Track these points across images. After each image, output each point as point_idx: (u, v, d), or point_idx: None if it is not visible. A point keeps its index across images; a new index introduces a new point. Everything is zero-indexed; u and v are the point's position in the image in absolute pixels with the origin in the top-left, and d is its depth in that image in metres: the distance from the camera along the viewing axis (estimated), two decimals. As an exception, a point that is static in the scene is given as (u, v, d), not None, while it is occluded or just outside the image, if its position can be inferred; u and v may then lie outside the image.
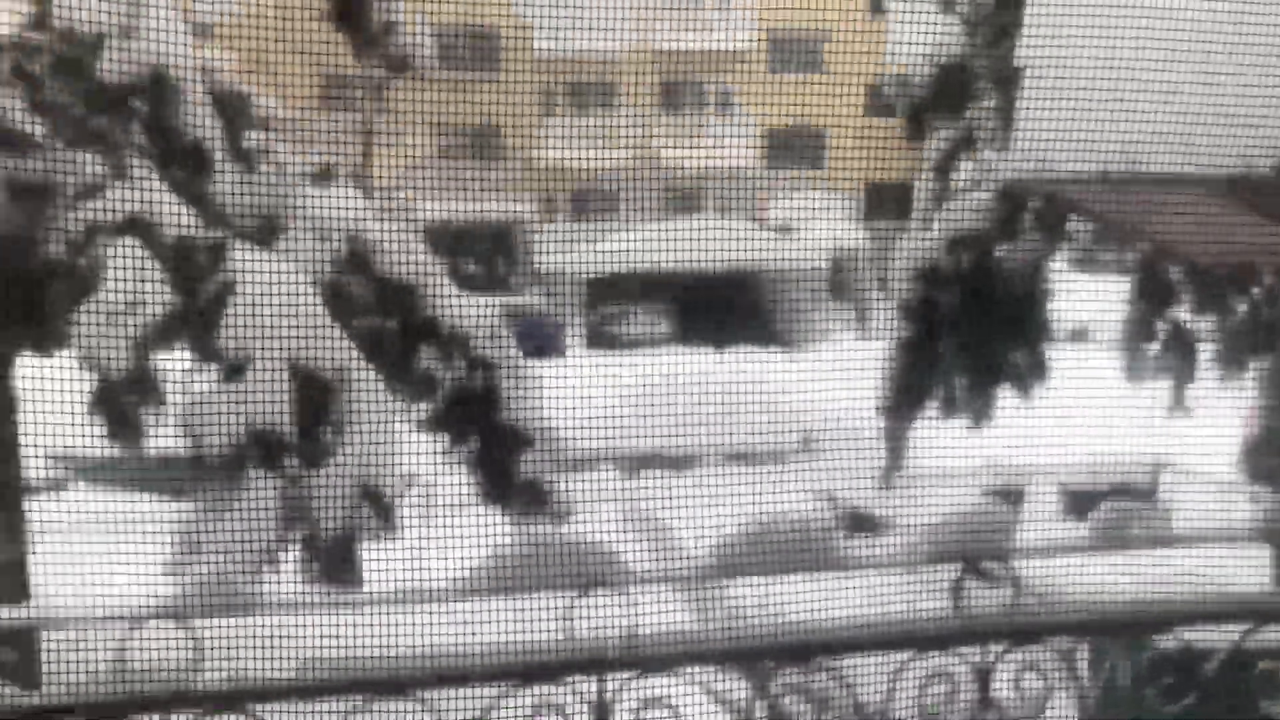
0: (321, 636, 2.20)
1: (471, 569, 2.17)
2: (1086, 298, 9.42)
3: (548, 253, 19.64)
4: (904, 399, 7.70)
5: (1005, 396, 7.70)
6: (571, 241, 19.52)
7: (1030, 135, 3.80)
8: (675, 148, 20.42)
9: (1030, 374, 7.70)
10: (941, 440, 7.62)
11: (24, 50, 5.70)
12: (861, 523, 8.77)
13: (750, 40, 20.64)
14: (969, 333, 7.52)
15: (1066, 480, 8.44)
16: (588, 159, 19.21)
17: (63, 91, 5.70)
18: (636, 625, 2.11)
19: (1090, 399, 8.02)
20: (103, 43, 5.10)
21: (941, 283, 7.35)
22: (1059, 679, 2.37)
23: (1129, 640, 2.48)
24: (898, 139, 8.08)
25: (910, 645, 2.24)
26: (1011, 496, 7.75)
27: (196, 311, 5.33)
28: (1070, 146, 3.59)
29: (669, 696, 2.11)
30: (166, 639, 2.02)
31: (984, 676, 2.26)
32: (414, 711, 2.01)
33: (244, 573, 4.00)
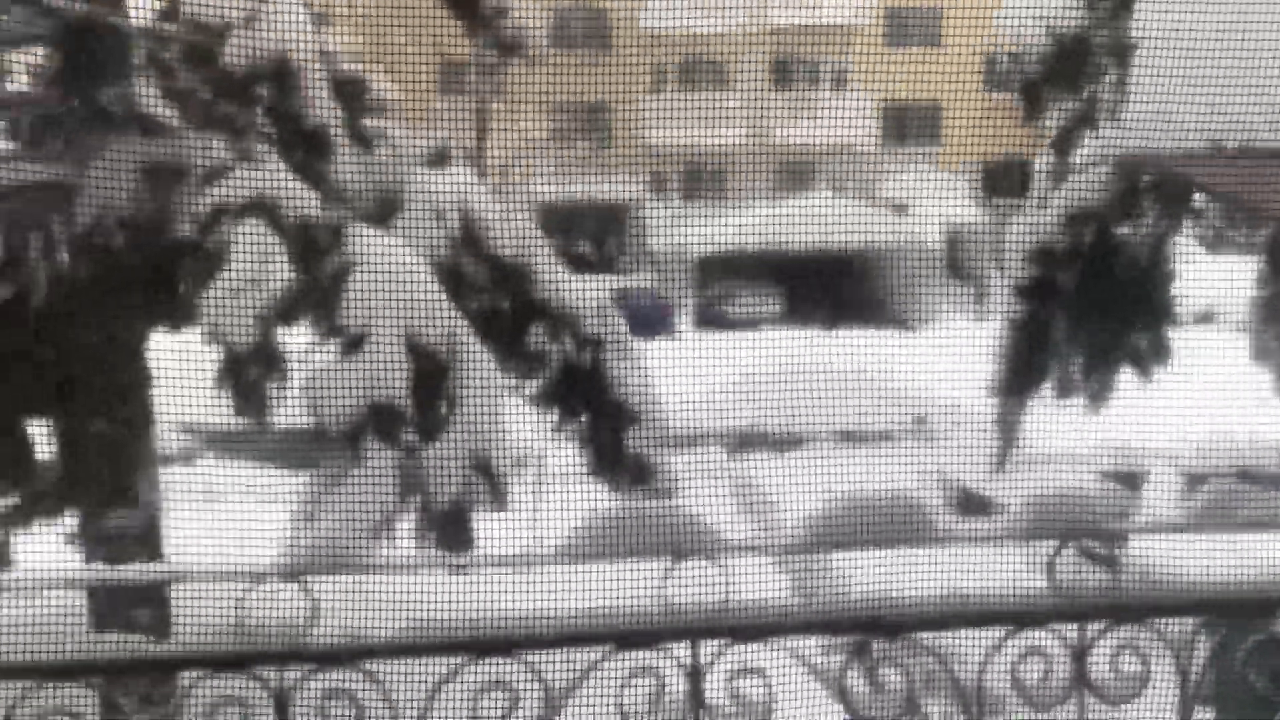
0: (431, 598, 2.30)
1: (575, 536, 2.25)
2: (1211, 277, 9.11)
3: (658, 232, 19.71)
4: (1018, 380, 7.58)
5: (1124, 378, 7.52)
6: (682, 221, 19.55)
7: (1147, 110, 3.71)
8: (788, 125, 20.27)
9: (1151, 355, 7.50)
10: (1057, 422, 7.49)
11: (156, 40, 5.96)
12: (973, 504, 8.66)
13: (866, 14, 20.33)
14: (1087, 313, 7.35)
15: (1186, 464, 8.21)
16: (698, 138, 19.21)
17: (192, 79, 5.95)
18: (732, 594, 2.16)
19: (1214, 381, 7.79)
20: (228, 32, 5.30)
21: (1059, 261, 7.20)
22: (1160, 661, 2.34)
23: (1236, 624, 2.44)
24: (1015, 114, 7.91)
25: (1007, 621, 2.25)
26: (1128, 479, 7.58)
27: (317, 289, 5.52)
28: (1187, 120, 3.50)
29: (763, 665, 2.15)
30: (285, 597, 2.14)
31: (1080, 655, 2.25)
32: (517, 671, 2.10)
33: (361, 537, 4.16)
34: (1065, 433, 7.54)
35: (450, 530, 5.42)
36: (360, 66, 6.36)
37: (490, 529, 5.67)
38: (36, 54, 6.58)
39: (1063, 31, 7.01)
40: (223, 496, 6.61)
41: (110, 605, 5.39)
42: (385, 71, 6.56)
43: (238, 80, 5.30)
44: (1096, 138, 7.32)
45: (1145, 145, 3.97)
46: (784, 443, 9.12)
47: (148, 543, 5.89)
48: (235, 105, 5.55)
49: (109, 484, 6.10)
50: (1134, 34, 3.92)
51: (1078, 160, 7.59)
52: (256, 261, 5.28)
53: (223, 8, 5.23)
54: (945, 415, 10.70)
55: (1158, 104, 3.69)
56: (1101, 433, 8.07)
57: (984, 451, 8.00)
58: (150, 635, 2.33)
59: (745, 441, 10.74)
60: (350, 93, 5.97)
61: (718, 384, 10.73)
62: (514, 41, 6.47)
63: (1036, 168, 8.19)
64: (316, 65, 5.43)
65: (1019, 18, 7.30)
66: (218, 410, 5.84)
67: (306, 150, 5.51)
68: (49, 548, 6.19)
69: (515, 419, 6.32)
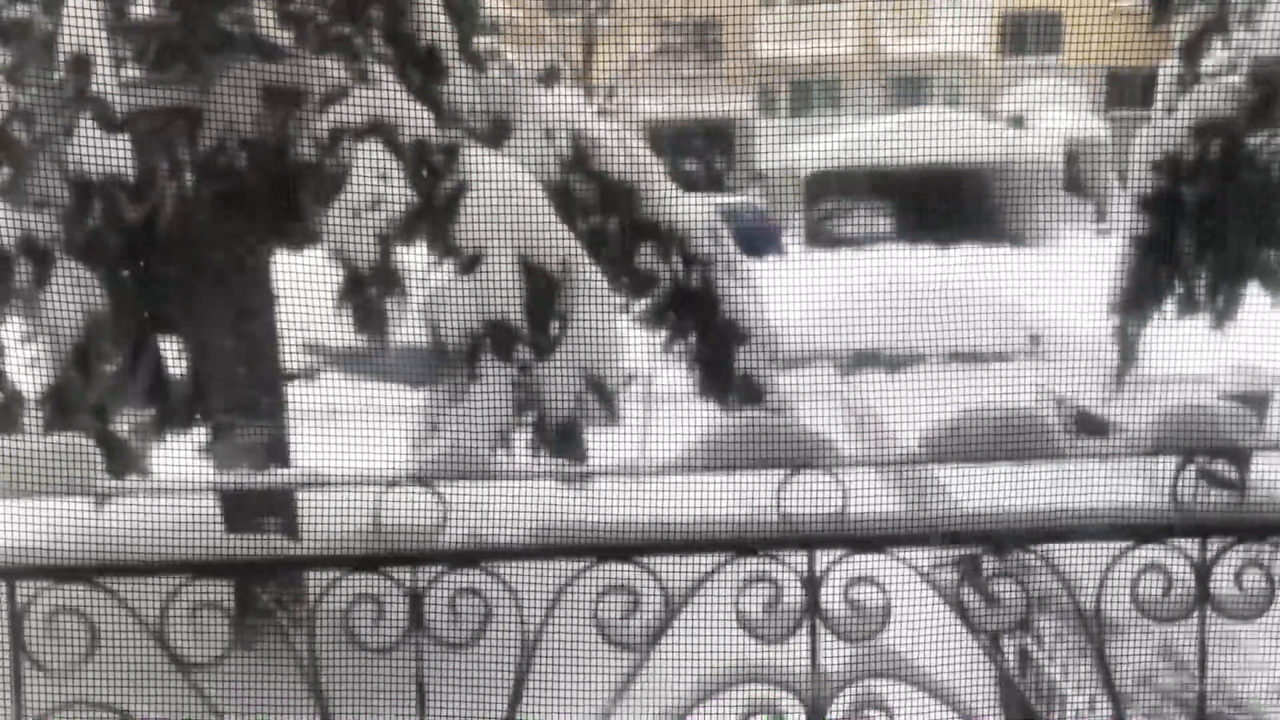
0: (553, 506, 2.38)
1: (690, 448, 2.29)
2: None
3: (767, 149, 19.46)
4: (1139, 297, 7.38)
5: (1251, 296, 7.27)
6: (791, 137, 19.26)
7: (1285, 12, 3.54)
8: (900, 36, 19.73)
9: (1282, 272, 7.23)
10: (1178, 341, 7.29)
11: (273, -37, 6.05)
12: (1090, 425, 8.51)
13: (983, -80, 19.56)
14: (1214, 228, 7.09)
15: (1317, 385, 7.93)
16: (809, 51, 18.82)
17: (308, 2, 6.04)
18: (847, 506, 2.19)
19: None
20: (344, -46, 5.37)
21: (1185, 175, 6.94)
22: (1287, 578, 2.31)
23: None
24: (1142, 20, 7.60)
25: (1126, 536, 2.23)
26: (1254, 401, 7.36)
27: (433, 209, 5.62)
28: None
29: (879, 574, 2.18)
30: (414, 502, 2.23)
31: (1203, 572, 2.23)
32: (637, 575, 2.16)
33: (482, 448, 4.28)
34: (1187, 352, 7.34)
35: (564, 445, 5.55)
36: (472, -15, 6.38)
37: (602, 445, 5.78)
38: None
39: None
40: (345, 412, 6.84)
41: (242, 512, 5.65)
42: (496, -10, 6.58)
43: (353, 2, 5.37)
44: (1229, 43, 7.00)
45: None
46: (896, 362, 9.05)
47: (275, 454, 6.14)
48: (350, 27, 5.62)
49: (237, 399, 6.36)
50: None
51: (1208, 69, 7.27)
52: (375, 182, 5.39)
53: (337, -70, 5.29)
54: (1062, 334, 10.48)
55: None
56: (1226, 352, 7.83)
57: (1102, 371, 7.84)
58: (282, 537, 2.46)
59: (857, 361, 10.67)
60: (461, 13, 6.00)
61: (828, 303, 10.65)
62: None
63: (1163, 76, 7.87)
64: (429, -15, 5.47)
65: (1148, -81, 6.98)
66: (339, 328, 6.02)
67: (421, 71, 5.58)
68: (183, 458, 6.50)
69: (626, 337, 6.38)
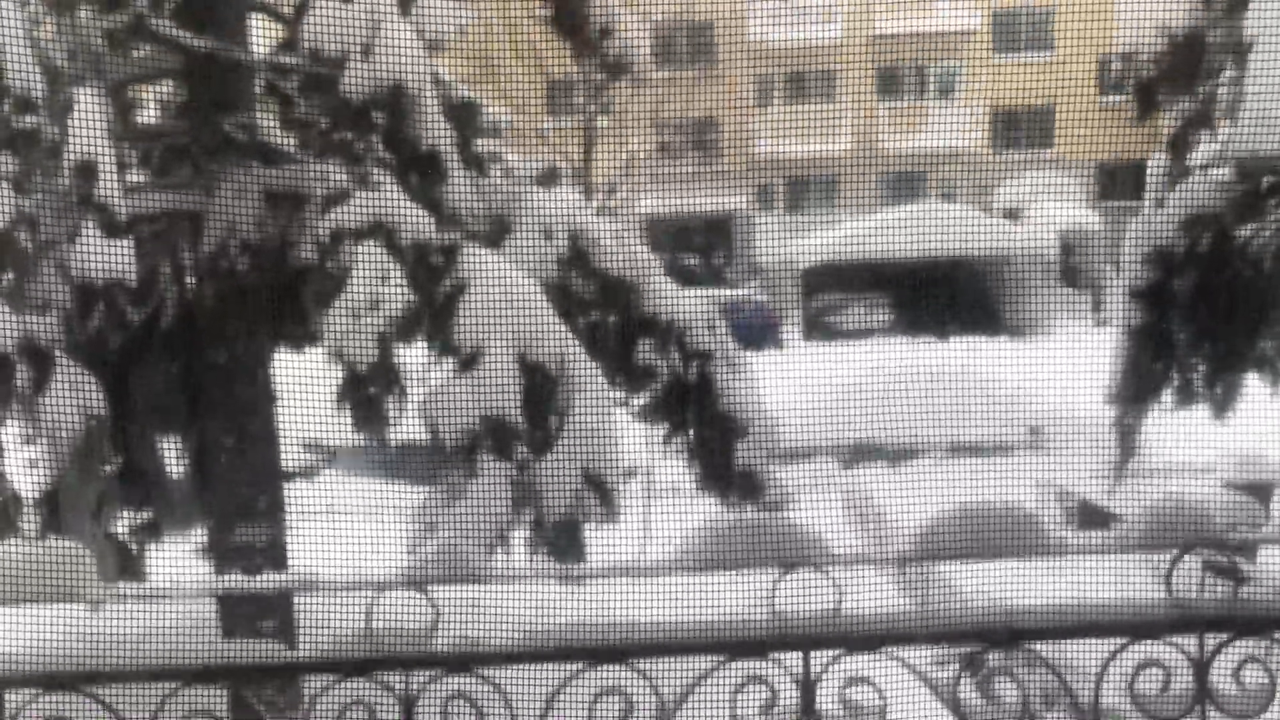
0: (547, 607, 2.37)
1: (685, 547, 2.29)
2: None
3: (765, 244, 19.66)
4: (1137, 388, 7.38)
5: (1250, 386, 7.28)
6: (789, 232, 19.48)
7: (1264, 108, 3.61)
8: (896, 134, 20.06)
9: (1278, 361, 7.25)
10: (1178, 432, 7.28)
11: (277, 71, 6.20)
12: (1092, 517, 8.46)
13: (974, 19, 20.05)
14: (1209, 319, 7.13)
15: (1318, 475, 7.91)
16: (806, 148, 19.13)
17: (311, 108, 6.18)
18: (842, 604, 2.18)
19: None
20: (346, 62, 5.50)
21: (1178, 266, 7.00)
22: (1288, 675, 2.29)
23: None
24: (1129, 116, 7.74)
25: (1123, 632, 2.22)
26: (1255, 490, 7.32)
27: (433, 308, 5.68)
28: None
29: (874, 675, 2.16)
30: (408, 606, 2.22)
31: (1202, 668, 2.21)
32: (631, 679, 2.14)
33: (478, 549, 4.26)
34: (1186, 443, 7.32)
35: (562, 542, 5.52)
36: (472, 91, 6.52)
37: (601, 541, 5.75)
38: (164, 87, 6.90)
39: (1177, 30, 6.84)
40: (344, 511, 6.81)
41: (239, 615, 5.60)
42: (496, 95, 6.72)
43: (355, 108, 5.49)
44: (1214, 138, 7.12)
45: (1265, 145, 3.86)
46: (896, 455, 9.03)
47: (273, 555, 6.11)
48: (353, 132, 5.74)
49: (236, 499, 6.34)
50: (1250, 31, 3.82)
51: (1195, 162, 7.38)
52: (375, 283, 5.46)
53: (340, 38, 5.42)
54: (1062, 426, 10.47)
55: (1275, 102, 3.59)
56: (1225, 442, 7.82)
57: (1102, 463, 7.82)
58: (278, 642, 2.44)
59: (857, 454, 10.65)
60: (462, 117, 6.13)
61: (827, 396, 10.67)
62: (620, 61, 6.57)
63: (1151, 169, 7.98)
64: (430, 91, 5.59)
65: (1132, 17, 7.15)
66: (339, 427, 6.03)
67: (421, 174, 5.68)
68: (180, 561, 6.46)
69: (624, 433, 6.39)
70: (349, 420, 5.95)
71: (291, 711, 2.62)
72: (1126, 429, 7.28)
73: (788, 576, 2.17)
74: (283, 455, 6.62)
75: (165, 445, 6.59)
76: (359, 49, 5.42)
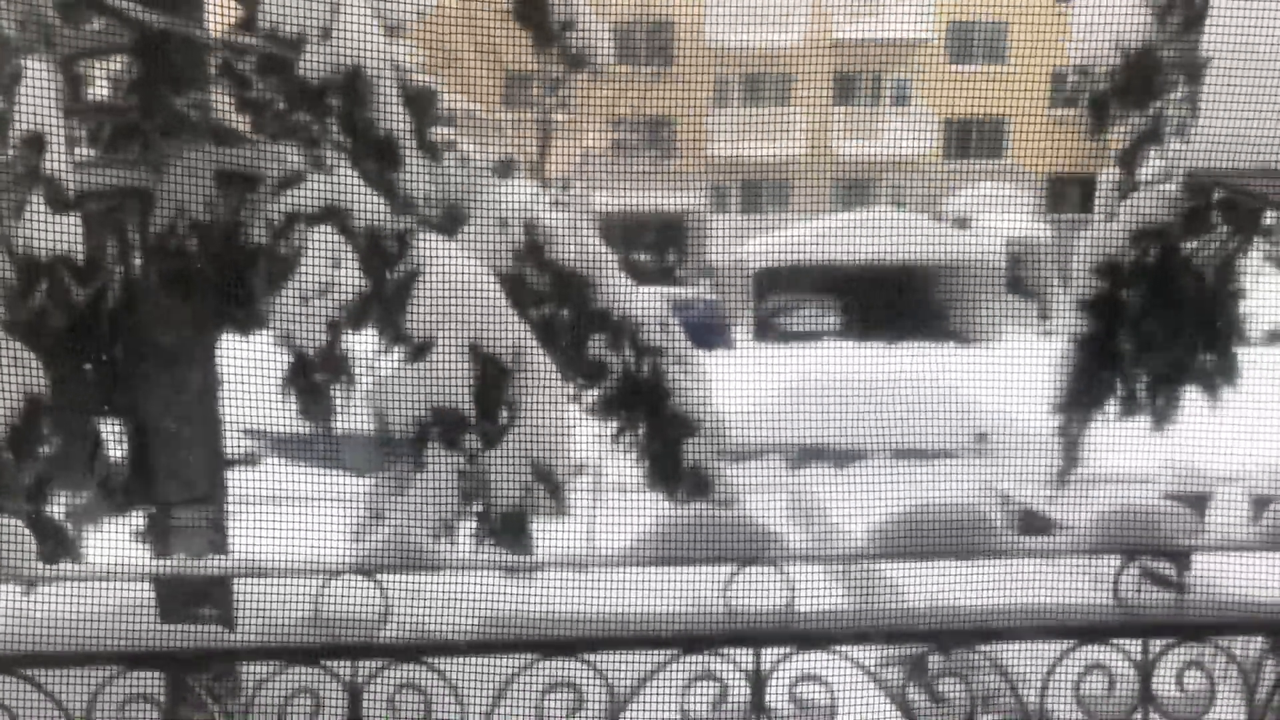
0: (498, 599, 2.35)
1: (639, 541, 2.28)
2: (1282, 297, 8.92)
3: (717, 244, 19.71)
4: (1081, 398, 7.48)
5: (1191, 398, 7.41)
6: (741, 233, 19.54)
7: (1217, 126, 3.67)
8: (849, 139, 20.20)
9: (1219, 375, 7.37)
10: (1120, 442, 7.39)
11: (233, 50, 6.10)
12: (1034, 523, 8.56)
13: (930, 29, 20.22)
14: (1152, 331, 7.25)
15: (1254, 486, 8.06)
16: (760, 151, 19.20)
17: (267, 89, 6.08)
18: (794, 602, 2.18)
19: (1284, 403, 7.62)
20: (303, 43, 5.42)
21: (1125, 278, 7.11)
22: (1227, 681, 2.32)
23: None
24: (1081, 130, 7.84)
25: (1069, 635, 2.24)
26: (1193, 501, 7.45)
27: (385, 295, 5.62)
28: (1261, 136, 3.46)
29: (824, 673, 2.17)
30: (356, 594, 2.19)
31: (1145, 671, 2.24)
32: (582, 672, 2.13)
33: (426, 538, 4.22)
34: (1128, 452, 7.43)
35: (510, 536, 5.49)
36: (430, 78, 6.46)
37: (549, 535, 5.72)
38: (116, 63, 6.76)
39: (1131, 46, 6.94)
40: (287, 499, 6.72)
41: (178, 601, 5.51)
42: (454, 83, 6.66)
43: (311, 90, 5.41)
44: (1164, 154, 7.24)
45: (1215, 162, 3.92)
46: (842, 457, 9.09)
47: (213, 541, 6.01)
48: (308, 114, 5.66)
49: (176, 483, 6.24)
50: (1205, 49, 3.89)
51: (1144, 177, 7.50)
52: (326, 268, 5.39)
53: (298, 19, 5.34)
54: (1006, 433, 10.60)
55: (1229, 120, 3.65)
56: (1166, 453, 7.95)
57: (1046, 470, 7.92)
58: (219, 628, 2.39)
59: (803, 455, 10.71)
60: (420, 103, 6.07)
61: (776, 397, 10.71)
62: (580, 55, 6.54)
63: (1102, 183, 8.09)
64: (388, 77, 5.53)
65: (1087, 31, 7.25)
66: (284, 414, 5.94)
67: (376, 160, 5.61)
68: (118, 544, 6.34)
69: (575, 428, 6.36)
70: (295, 407, 5.87)
71: (232, 699, 2.57)
72: (1071, 437, 7.38)
73: (741, 573, 2.17)
74: (225, 440, 6.52)
75: (107, 427, 6.46)
76: (317, 30, 5.35)
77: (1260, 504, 7.46)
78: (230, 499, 6.51)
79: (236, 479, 6.62)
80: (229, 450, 6.67)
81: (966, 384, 10.75)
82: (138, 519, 6.45)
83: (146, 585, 5.30)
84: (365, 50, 5.38)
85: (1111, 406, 7.34)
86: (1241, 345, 7.34)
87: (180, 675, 2.30)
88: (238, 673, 2.61)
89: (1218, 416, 7.31)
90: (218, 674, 2.56)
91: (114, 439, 6.53)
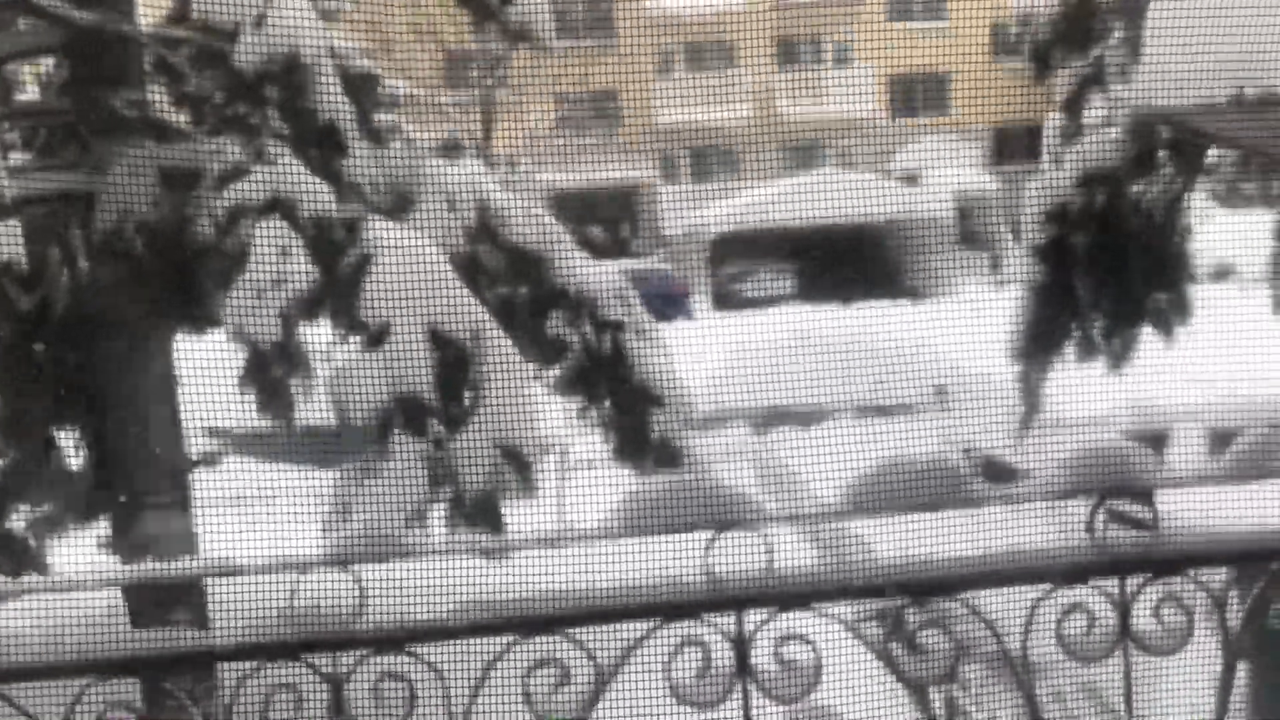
0: (474, 582, 2.33)
1: (610, 515, 2.27)
2: (1229, 232, 9.05)
3: (670, 215, 19.68)
4: (1039, 344, 7.55)
5: (1146, 337, 7.50)
6: (693, 202, 19.53)
7: (1159, 65, 3.70)
8: (794, 101, 20.21)
9: (1172, 313, 7.47)
10: (1079, 385, 7.47)
11: (166, 44, 5.98)
12: (999, 472, 8.65)
13: (867, -13, 20.24)
14: (1105, 274, 7.32)
15: (1212, 421, 8.19)
16: (706, 118, 19.16)
17: (203, 82, 5.97)
18: (772, 563, 2.18)
19: (1237, 337, 7.76)
20: (237, 33, 5.32)
21: (1075, 223, 7.17)
22: (1202, 612, 2.35)
23: (1275, 572, 2.44)
24: (1024, 79, 7.89)
25: (1046, 578, 2.26)
26: (1154, 439, 7.57)
27: (337, 284, 5.55)
28: (1201, 73, 3.48)
29: (807, 632, 2.17)
30: (330, 587, 2.16)
31: (1124, 609, 2.26)
32: (566, 648, 2.12)
33: (396, 527, 4.20)
34: (1088, 395, 7.52)
35: (481, 518, 5.46)
36: (370, 62, 6.38)
37: (520, 516, 5.70)
38: (46, 64, 6.62)
39: (1070, -7, 6.98)
40: (252, 498, 6.65)
41: (149, 606, 5.44)
42: (395, 66, 6.58)
43: (249, 81, 5.32)
44: (1107, 97, 7.29)
45: (1157, 102, 3.96)
46: (806, 419, 9.13)
47: (181, 544, 5.95)
48: (247, 106, 5.57)
49: (139, 488, 6.16)
50: (1145, -10, 3.91)
51: (1088, 120, 7.56)
52: (276, 260, 5.31)
53: (231, 9, 5.25)
54: (966, 384, 10.69)
55: (1169, 60, 3.67)
56: (1125, 393, 8.05)
57: (1007, 418, 8.00)
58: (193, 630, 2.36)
59: (768, 419, 10.76)
60: (361, 89, 5.99)
61: (738, 363, 10.73)
62: (520, 30, 6.47)
63: (1047, 131, 8.15)
64: (327, 63, 5.45)
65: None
66: (243, 411, 5.87)
67: (320, 147, 5.54)
68: (83, 553, 6.26)
69: (540, 406, 6.34)
70: (254, 403, 5.81)
71: (209, 700, 2.54)
72: (1030, 384, 7.45)
73: (719, 538, 2.16)
74: (186, 441, 6.44)
75: (63, 436, 6.36)
76: (251, 19, 5.26)
77: (1220, 438, 7.58)
78: (196, 499, 6.44)
79: (200, 478, 6.55)
80: (191, 450, 6.59)
81: (925, 339, 10.85)
82: (103, 527, 6.36)
83: (116, 592, 5.23)
84: (302, 37, 5.29)
85: (1069, 351, 7.42)
86: (1192, 282, 7.44)
87: (156, 680, 2.27)
88: (216, 673, 2.58)
89: (1173, 354, 7.42)
90: (195, 676, 2.53)
91: (72, 447, 6.43)
